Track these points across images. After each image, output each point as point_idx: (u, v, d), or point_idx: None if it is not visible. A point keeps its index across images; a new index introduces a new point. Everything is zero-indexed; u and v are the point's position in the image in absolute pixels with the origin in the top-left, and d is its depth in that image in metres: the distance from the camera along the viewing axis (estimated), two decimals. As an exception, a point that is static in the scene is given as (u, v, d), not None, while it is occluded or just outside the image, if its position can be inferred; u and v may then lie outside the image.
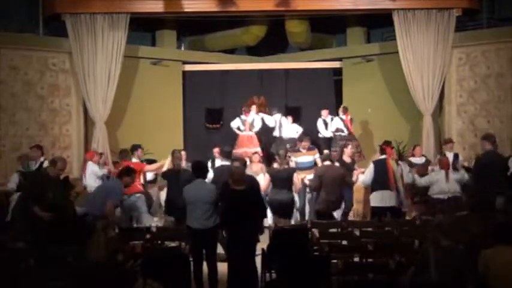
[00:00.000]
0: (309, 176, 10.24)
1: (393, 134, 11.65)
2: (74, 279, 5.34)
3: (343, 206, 9.76)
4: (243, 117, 13.12)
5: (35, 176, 8.97)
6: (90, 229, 6.00)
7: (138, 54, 13.64)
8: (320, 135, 13.08)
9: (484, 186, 8.74)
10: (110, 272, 5.42)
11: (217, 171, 9.42)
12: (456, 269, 5.04)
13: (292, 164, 10.22)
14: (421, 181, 9.62)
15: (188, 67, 14.60)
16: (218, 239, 7.09)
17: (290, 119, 13.38)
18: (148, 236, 7.74)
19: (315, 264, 5.40)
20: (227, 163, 9.42)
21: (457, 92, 12.40)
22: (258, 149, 12.42)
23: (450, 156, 10.43)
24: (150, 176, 10.94)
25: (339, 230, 8.28)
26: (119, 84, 12.36)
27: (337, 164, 9.86)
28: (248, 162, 9.93)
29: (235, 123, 13.17)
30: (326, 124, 12.99)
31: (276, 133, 13.36)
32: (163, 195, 9.93)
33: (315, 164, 10.84)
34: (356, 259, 6.96)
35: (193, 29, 14.73)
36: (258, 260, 6.77)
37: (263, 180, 9.48)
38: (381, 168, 9.25)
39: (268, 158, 11.82)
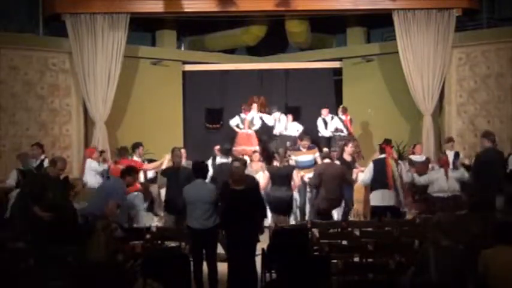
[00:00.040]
0: (308, 175, 10.23)
1: (393, 134, 11.58)
2: (74, 279, 5.34)
3: (343, 204, 9.77)
4: (242, 115, 13.12)
5: (35, 176, 9.00)
6: (90, 229, 6.00)
7: (138, 54, 13.63)
8: (320, 135, 13.07)
9: (483, 184, 8.74)
10: (110, 272, 5.43)
11: (217, 168, 9.43)
12: (456, 269, 5.04)
13: (292, 163, 10.23)
14: (420, 180, 9.61)
15: (188, 67, 14.59)
16: (218, 239, 7.09)
17: (290, 117, 13.37)
18: (148, 236, 7.72)
19: (315, 264, 5.39)
20: (227, 161, 9.43)
21: (457, 92, 12.40)
22: (257, 148, 12.40)
23: (451, 154, 10.44)
24: (151, 174, 10.97)
25: (339, 230, 8.29)
26: (119, 84, 12.36)
27: (337, 162, 9.86)
28: (248, 161, 9.95)
29: (234, 121, 13.17)
30: (326, 123, 12.98)
31: (276, 131, 13.35)
32: (163, 193, 9.93)
33: (315, 162, 10.83)
34: (356, 259, 6.97)
35: (193, 29, 14.72)
36: (258, 260, 6.77)
37: (262, 178, 9.49)
38: (380, 167, 9.24)
39: (267, 157, 11.82)
